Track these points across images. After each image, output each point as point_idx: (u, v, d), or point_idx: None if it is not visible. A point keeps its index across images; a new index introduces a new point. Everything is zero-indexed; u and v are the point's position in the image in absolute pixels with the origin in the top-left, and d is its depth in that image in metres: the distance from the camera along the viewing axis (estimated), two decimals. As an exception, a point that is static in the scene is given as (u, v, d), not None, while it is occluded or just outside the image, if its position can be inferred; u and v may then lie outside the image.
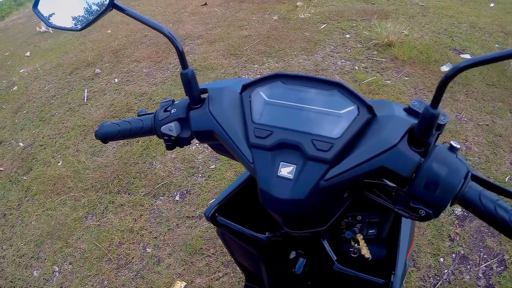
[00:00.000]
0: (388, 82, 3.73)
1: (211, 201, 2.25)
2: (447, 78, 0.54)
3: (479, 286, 2.08)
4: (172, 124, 0.88)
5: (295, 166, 0.69)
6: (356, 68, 3.99)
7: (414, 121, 0.66)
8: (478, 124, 3.19)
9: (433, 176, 0.62)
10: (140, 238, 2.59)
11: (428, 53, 4.09)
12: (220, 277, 2.26)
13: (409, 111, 0.69)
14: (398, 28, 4.27)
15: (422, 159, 0.63)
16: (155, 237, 2.59)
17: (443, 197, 0.62)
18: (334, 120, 0.70)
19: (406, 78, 3.78)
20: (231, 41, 4.76)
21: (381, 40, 4.24)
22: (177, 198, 2.83)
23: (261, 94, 0.78)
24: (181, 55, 0.79)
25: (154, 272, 2.36)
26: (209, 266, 2.32)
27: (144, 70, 4.44)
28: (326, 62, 4.10)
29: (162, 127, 0.89)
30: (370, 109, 0.70)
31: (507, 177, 2.72)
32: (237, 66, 4.25)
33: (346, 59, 4.13)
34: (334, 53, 4.25)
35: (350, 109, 0.70)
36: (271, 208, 0.73)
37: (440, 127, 0.65)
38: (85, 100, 4.13)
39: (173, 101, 0.93)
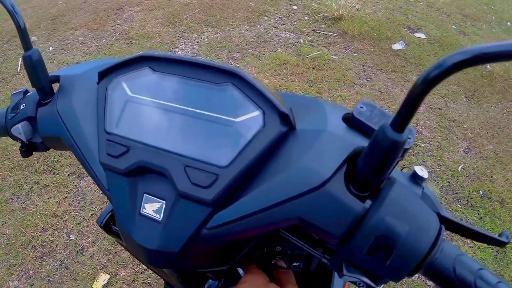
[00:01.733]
0: (334, 57, 3.61)
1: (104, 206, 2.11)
2: (427, 83, 0.33)
3: None
4: (19, 125, 0.67)
5: (164, 202, 0.51)
6: (301, 41, 3.86)
7: (359, 142, 0.45)
8: (430, 107, 3.14)
9: (384, 237, 0.41)
10: (64, 224, 2.42)
11: (380, 30, 4.01)
12: (145, 270, 2.16)
13: (352, 122, 0.48)
14: (350, 2, 4.13)
15: (367, 207, 0.42)
16: (79, 223, 2.43)
17: (397, 269, 0.42)
18: (224, 134, 0.49)
19: (354, 54, 3.68)
20: (171, 9, 4.58)
21: (330, 14, 4.12)
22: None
23: (123, 87, 0.58)
24: (22, 34, 0.61)
25: (78, 262, 2.21)
26: (134, 258, 2.15)
27: (79, 38, 4.21)
28: (269, 34, 3.97)
29: (12, 128, 0.68)
30: (284, 117, 0.48)
31: (460, 166, 2.68)
32: (174, 35, 4.08)
33: (291, 32, 4.00)
34: (279, 25, 4.13)
35: (251, 116, 0.49)
36: (135, 255, 0.57)
37: (403, 153, 0.41)
38: (18, 70, 3.89)
39: (26, 92, 0.73)
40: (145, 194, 0.52)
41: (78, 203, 2.53)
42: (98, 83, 0.61)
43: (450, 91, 3.28)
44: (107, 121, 0.56)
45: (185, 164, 0.49)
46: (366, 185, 0.43)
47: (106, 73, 0.60)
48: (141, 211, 0.52)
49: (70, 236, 2.36)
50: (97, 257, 2.22)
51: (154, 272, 0.97)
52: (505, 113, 3.14)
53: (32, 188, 2.67)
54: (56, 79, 0.66)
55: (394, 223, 0.41)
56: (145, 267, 2.15)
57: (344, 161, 0.44)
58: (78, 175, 2.74)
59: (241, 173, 0.47)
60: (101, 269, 2.16)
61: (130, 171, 0.52)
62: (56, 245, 2.32)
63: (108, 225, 0.80)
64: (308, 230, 0.47)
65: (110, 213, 0.77)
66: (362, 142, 0.45)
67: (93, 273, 2.14)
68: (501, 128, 2.99)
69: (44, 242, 2.35)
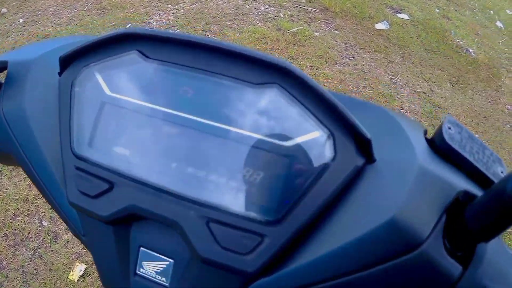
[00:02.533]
0: (316, 34, 3.52)
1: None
2: None
3: None
4: None
5: (171, 262, 0.39)
6: (281, 15, 3.73)
7: (459, 183, 0.34)
8: (415, 91, 3.10)
9: None
10: (35, 209, 2.31)
11: (363, 8, 3.94)
12: None
13: (442, 149, 0.37)
14: (332, -24, 4.03)
15: (463, 271, 0.33)
16: (50, 208, 2.31)
17: None
18: (269, 169, 0.36)
19: (336, 31, 3.59)
20: None
21: (311, -13, 4.00)
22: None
23: (98, 81, 0.41)
24: None
25: (52, 251, 2.10)
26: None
27: (50, 9, 4.00)
28: (247, 7, 3.83)
29: None
30: (363, 144, 0.36)
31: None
32: (149, 5, 3.89)
33: (271, 5, 3.87)
34: (259, -3, 4.02)
35: (311, 139, 0.35)
36: None
37: None
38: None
39: None
40: (142, 248, 0.40)
41: (50, 186, 2.39)
42: (59, 73, 0.44)
43: (434, 76, 3.25)
44: (75, 138, 0.40)
45: (207, 217, 0.36)
46: (465, 242, 0.33)
47: (71, 59, 0.43)
48: (137, 271, 0.40)
49: (43, 222, 2.24)
50: (71, 245, 2.12)
51: None
52: (489, 102, 3.14)
53: (1, 170, 2.51)
54: (2, 66, 0.49)
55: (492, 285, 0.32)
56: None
57: (444, 210, 0.33)
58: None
59: (299, 231, 0.35)
60: (76, 258, 2.06)
61: (116, 219, 0.39)
62: (29, 233, 2.20)
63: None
64: None
65: None
66: (461, 181, 0.35)
67: (69, 263, 2.04)
68: (486, 117, 2.99)
69: (16, 230, 2.23)
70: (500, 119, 3.03)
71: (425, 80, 3.20)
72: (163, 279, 0.39)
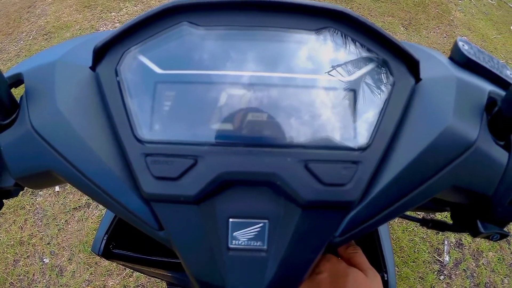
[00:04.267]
0: None
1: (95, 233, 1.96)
2: None
3: None
4: None
5: (265, 222, 0.39)
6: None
7: (487, 86, 0.41)
8: (371, 40, 3.11)
9: None
10: (33, 249, 2.28)
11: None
12: (132, 273, 2.08)
13: (468, 65, 0.43)
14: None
15: (509, 156, 0.39)
16: (48, 243, 2.29)
17: None
18: (341, 102, 0.38)
19: None
20: None
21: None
22: (57, 189, 2.51)
23: (144, 63, 0.40)
24: None
25: (61, 285, 2.09)
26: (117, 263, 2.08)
27: (-4, 47, 3.87)
28: None
29: None
30: (413, 65, 0.40)
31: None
32: (92, 18, 3.87)
33: None
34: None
35: (370, 70, 0.39)
36: None
37: None
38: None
39: None
40: (231, 220, 0.38)
41: (41, 221, 2.38)
42: (93, 68, 0.42)
43: (386, 23, 3.28)
44: (136, 124, 0.39)
45: (305, 159, 0.37)
46: (505, 131, 0.39)
47: (108, 47, 0.41)
48: (230, 245, 0.38)
49: (44, 260, 2.22)
50: (79, 274, 2.11)
51: (155, 276, 0.87)
52: (445, 37, 3.19)
53: (-13, 220, 2.46)
54: (17, 79, 0.45)
55: None
56: (132, 270, 2.04)
57: (483, 109, 0.39)
58: (31, 192, 2.55)
59: (385, 151, 0.37)
60: (87, 286, 2.06)
61: (206, 194, 0.38)
62: (33, 274, 2.18)
63: (108, 250, 0.71)
64: (452, 198, 0.42)
65: (106, 235, 0.68)
66: (486, 84, 0.42)
67: (81, 292, 2.02)
68: (445, 52, 3.00)
69: (20, 276, 2.21)
70: (459, 51, 3.09)
71: (378, 29, 3.23)
72: (259, 243, 0.38)
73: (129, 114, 0.40)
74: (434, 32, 3.23)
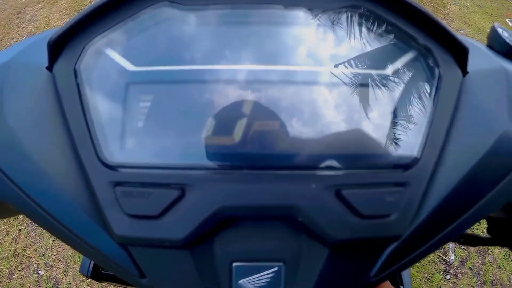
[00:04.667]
0: None
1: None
2: None
3: None
4: None
5: (281, 266, 0.30)
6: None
7: None
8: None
9: None
10: (28, 261, 2.21)
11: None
12: None
13: (507, 50, 0.36)
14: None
15: None
16: (43, 255, 2.22)
17: None
18: (376, 104, 0.30)
19: None
20: None
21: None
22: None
23: (112, 57, 0.31)
24: None
25: (58, 298, 2.00)
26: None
27: None
28: None
29: None
30: (462, 55, 0.32)
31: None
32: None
33: None
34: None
35: (409, 61, 0.31)
36: None
37: None
38: None
39: None
40: (235, 264, 0.30)
41: (35, 232, 2.31)
42: (49, 68, 0.33)
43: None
44: (101, 142, 0.30)
45: (336, 184, 0.28)
46: None
47: (66, 40, 0.32)
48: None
49: (39, 272, 2.16)
50: (75, 287, 2.05)
51: None
52: (442, 31, 3.17)
53: (-20, 233, 2.39)
54: None
55: None
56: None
57: None
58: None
59: (436, 164, 0.30)
60: (86, 298, 1.96)
61: (199, 237, 0.29)
62: (29, 287, 2.12)
63: (97, 271, 0.66)
64: (499, 214, 0.36)
65: None
66: None
67: (80, 305, 1.94)
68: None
69: (15, 289, 2.14)
70: (456, 43, 3.07)
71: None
72: None
73: (91, 129, 0.30)
74: (430, 26, 3.20)
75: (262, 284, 0.30)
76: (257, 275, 0.30)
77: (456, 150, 0.31)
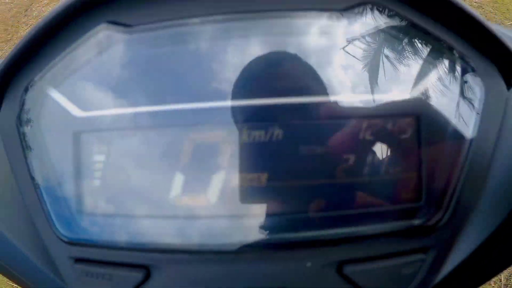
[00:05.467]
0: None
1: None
2: None
3: None
4: None
5: None
6: None
7: None
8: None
9: None
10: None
11: None
12: None
13: None
14: None
15: None
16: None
17: None
18: (398, 143, 0.23)
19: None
20: None
21: None
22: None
23: (56, 100, 0.25)
24: None
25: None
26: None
27: (-3, 55, 3.84)
28: None
29: None
30: (507, 63, 0.24)
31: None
32: None
33: None
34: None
35: (440, 76, 0.23)
36: None
37: None
38: None
39: None
40: None
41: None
42: None
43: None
44: (53, 213, 0.25)
45: (337, 260, 0.22)
46: None
47: (4, 84, 0.26)
48: None
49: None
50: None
51: None
52: None
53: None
54: None
55: None
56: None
57: None
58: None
59: (467, 219, 0.23)
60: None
61: None
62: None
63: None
64: None
65: None
66: None
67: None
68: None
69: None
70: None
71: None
72: None
73: (40, 196, 0.25)
74: None
75: None
76: None
77: (495, 192, 0.24)
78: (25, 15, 4.01)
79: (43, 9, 4.14)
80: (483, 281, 0.25)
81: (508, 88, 0.25)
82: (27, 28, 3.85)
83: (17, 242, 0.27)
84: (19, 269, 0.28)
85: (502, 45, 0.23)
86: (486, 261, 0.24)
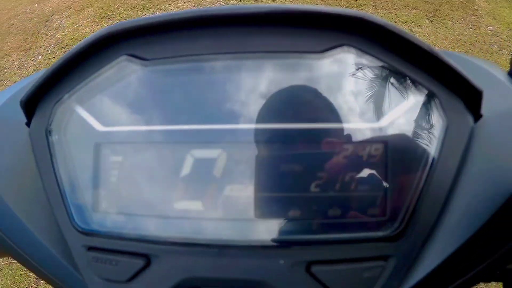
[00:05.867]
0: None
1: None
2: None
3: None
4: None
5: None
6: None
7: None
8: (395, 36, 3.01)
9: None
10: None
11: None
12: None
13: None
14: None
15: None
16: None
17: None
18: (368, 165, 0.27)
19: None
20: (100, 3, 4.26)
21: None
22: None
23: (82, 116, 0.31)
24: None
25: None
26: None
27: (15, 63, 3.89)
28: (208, 1, 3.65)
29: None
30: (474, 100, 0.28)
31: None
32: None
33: None
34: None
35: (409, 108, 0.27)
36: None
37: None
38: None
39: None
40: None
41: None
42: (28, 124, 0.34)
43: (410, 16, 3.16)
44: (73, 208, 0.31)
45: (306, 260, 0.26)
46: None
47: (36, 99, 0.32)
48: None
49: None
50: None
51: None
52: (471, 28, 3.07)
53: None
54: None
55: None
56: None
57: None
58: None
59: (429, 232, 0.27)
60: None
61: None
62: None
63: None
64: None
65: None
66: None
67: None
68: (472, 44, 2.92)
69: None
70: (486, 41, 2.95)
71: (403, 22, 3.11)
72: None
73: (63, 195, 0.31)
74: (459, 23, 3.10)
75: None
76: None
77: (457, 211, 0.27)
78: (45, 26, 4.09)
79: (63, 20, 4.23)
80: None
81: (476, 121, 0.29)
82: (47, 38, 3.94)
83: (38, 235, 0.33)
84: (38, 259, 0.33)
85: (466, 81, 0.27)
86: (451, 277, 0.28)
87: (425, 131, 0.28)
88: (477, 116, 0.29)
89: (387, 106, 0.28)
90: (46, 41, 3.99)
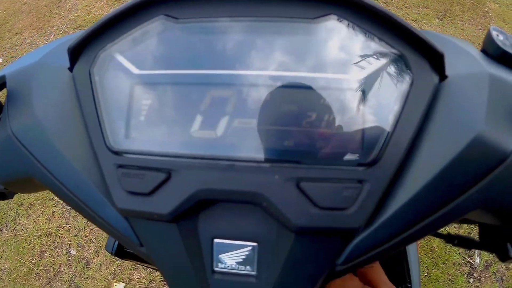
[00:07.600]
0: None
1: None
2: None
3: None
4: None
5: (254, 246, 0.34)
6: None
7: None
8: (404, 34, 3.03)
9: None
10: (61, 240, 2.29)
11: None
12: None
13: (503, 58, 0.36)
14: None
15: None
16: (75, 235, 2.30)
17: None
18: (344, 106, 0.33)
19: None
20: None
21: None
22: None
23: (121, 62, 0.37)
24: None
25: (87, 277, 2.10)
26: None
27: (27, 41, 3.95)
28: None
29: None
30: (437, 60, 0.33)
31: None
32: None
33: None
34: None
35: (381, 66, 0.32)
36: None
37: None
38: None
39: None
40: (216, 240, 0.34)
41: (69, 213, 2.39)
42: (71, 69, 0.39)
43: (421, 14, 3.17)
44: (108, 132, 0.36)
45: (297, 177, 0.32)
46: None
47: (83, 46, 0.38)
48: (215, 268, 0.34)
49: (71, 251, 2.24)
50: (105, 267, 2.11)
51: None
52: (480, 29, 3.07)
53: (17, 211, 2.50)
54: (1, 82, 0.43)
55: None
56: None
57: None
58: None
59: (399, 166, 0.32)
60: (113, 279, 2.05)
61: (182, 213, 0.34)
62: (60, 266, 2.20)
63: (122, 250, 0.69)
64: (479, 219, 0.37)
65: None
66: None
67: (107, 285, 2.04)
68: (480, 44, 2.87)
69: (46, 266, 2.23)
70: (494, 43, 2.98)
71: (413, 20, 3.12)
72: (248, 268, 0.34)
73: (100, 121, 0.36)
74: (469, 24, 3.11)
75: (238, 260, 0.34)
76: (234, 252, 0.34)
77: (427, 151, 0.32)
78: (58, 6, 4.12)
79: (76, 1, 4.25)
80: (427, 231, 0.33)
81: (441, 80, 0.34)
82: (60, 18, 3.98)
83: (74, 163, 0.38)
84: (72, 186, 0.38)
85: (428, 44, 0.32)
86: (423, 213, 0.32)
87: (396, 83, 0.33)
88: (442, 76, 0.34)
89: (366, 63, 0.33)
90: (58, 21, 4.04)
